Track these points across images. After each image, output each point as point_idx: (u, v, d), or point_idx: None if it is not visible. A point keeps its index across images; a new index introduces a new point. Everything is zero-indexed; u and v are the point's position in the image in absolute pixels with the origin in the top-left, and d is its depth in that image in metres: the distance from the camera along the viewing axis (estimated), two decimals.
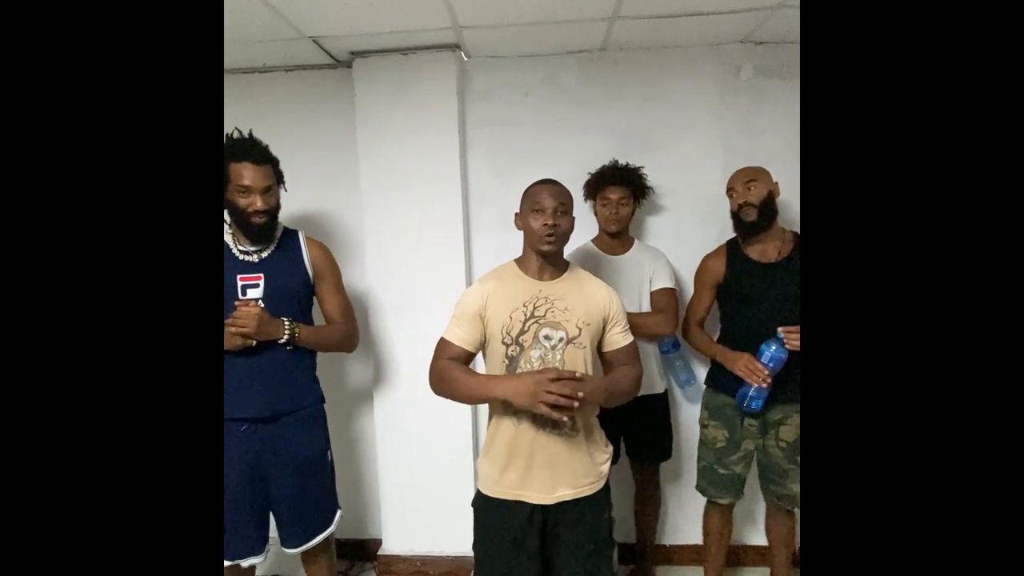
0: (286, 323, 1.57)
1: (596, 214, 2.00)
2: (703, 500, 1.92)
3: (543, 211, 1.33)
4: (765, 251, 1.77)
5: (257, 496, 1.61)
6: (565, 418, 1.24)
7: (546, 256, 1.36)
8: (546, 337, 1.32)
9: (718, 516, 1.91)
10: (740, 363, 1.69)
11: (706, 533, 1.95)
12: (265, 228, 1.57)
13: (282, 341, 1.57)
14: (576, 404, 1.21)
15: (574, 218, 1.41)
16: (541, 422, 1.32)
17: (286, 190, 1.66)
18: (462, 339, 1.38)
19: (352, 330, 1.74)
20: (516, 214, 1.41)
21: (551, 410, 1.20)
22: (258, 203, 1.53)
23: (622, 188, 1.92)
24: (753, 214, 1.72)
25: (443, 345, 1.40)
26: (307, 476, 1.64)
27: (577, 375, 1.25)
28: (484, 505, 1.41)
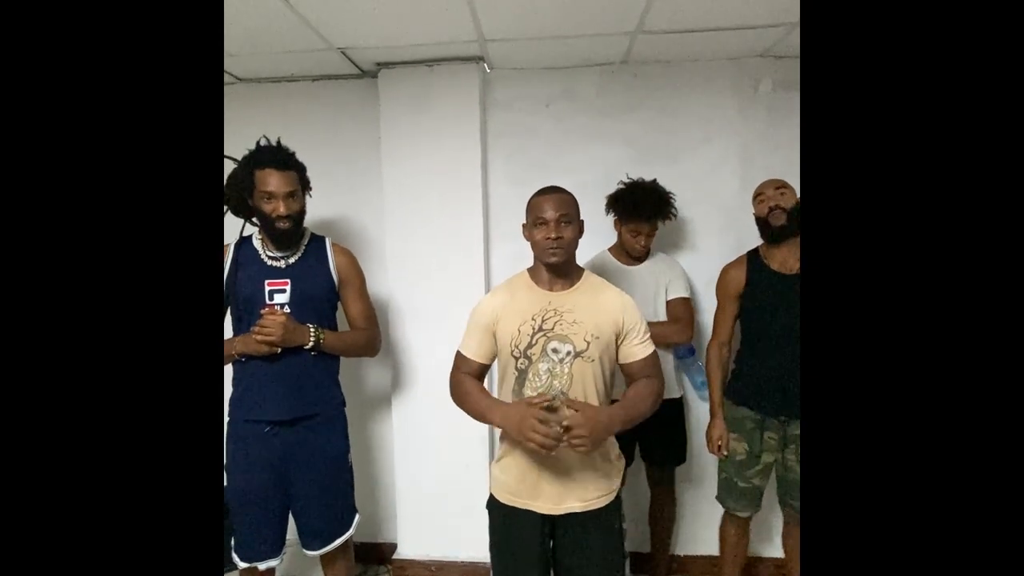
0: (311, 329, 1.59)
1: (618, 233, 1.99)
2: (719, 509, 1.93)
3: (546, 223, 1.31)
4: (786, 262, 1.77)
5: (278, 498, 1.63)
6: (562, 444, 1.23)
7: (553, 267, 1.35)
8: (554, 350, 1.31)
9: (735, 528, 1.92)
10: (712, 442, 1.86)
11: (723, 544, 1.96)
12: (289, 233, 1.60)
13: (308, 347, 1.59)
14: (563, 442, 1.21)
15: (582, 221, 1.39)
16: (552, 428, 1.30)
17: (311, 196, 1.69)
18: (475, 352, 1.41)
19: (375, 336, 1.76)
20: (523, 224, 1.40)
21: (539, 448, 1.21)
22: (281, 208, 1.55)
23: (654, 221, 1.90)
24: (783, 218, 1.72)
25: (459, 358, 1.44)
26: (328, 478, 1.67)
27: (565, 413, 1.23)
28: (496, 510, 1.43)
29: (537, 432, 1.19)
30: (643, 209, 1.88)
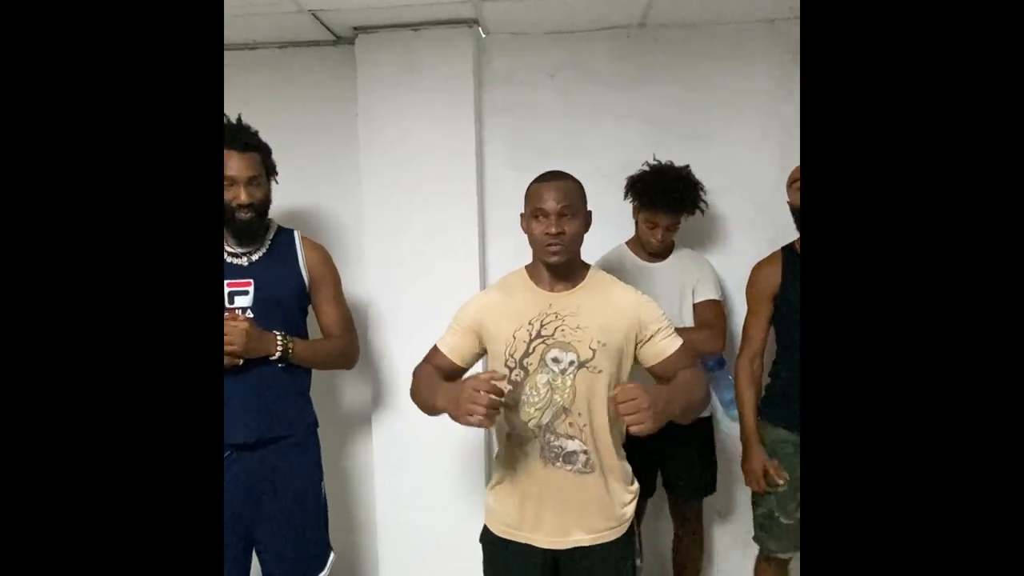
0: (279, 338, 1.49)
1: (635, 222, 1.86)
2: (754, 547, 1.78)
3: (546, 215, 1.25)
4: None
5: (240, 534, 1.52)
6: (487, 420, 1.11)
7: (551, 267, 1.29)
8: (554, 360, 1.26)
9: (773, 571, 1.75)
10: (753, 477, 1.67)
11: None
12: (251, 225, 1.50)
13: (274, 358, 1.48)
14: (496, 407, 1.12)
15: (589, 212, 1.32)
16: (551, 456, 1.25)
17: (277, 182, 1.59)
18: (450, 349, 1.36)
19: (352, 345, 1.68)
20: (521, 215, 1.33)
21: (483, 420, 1.10)
22: (242, 196, 1.46)
23: (675, 213, 1.77)
24: None
25: (432, 351, 1.40)
26: (298, 511, 1.56)
27: (567, 429, 1.18)
28: (492, 544, 1.37)
29: (477, 403, 1.09)
30: (663, 199, 1.74)
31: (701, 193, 1.79)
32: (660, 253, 1.85)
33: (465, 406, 1.10)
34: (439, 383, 1.28)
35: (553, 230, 1.23)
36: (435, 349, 1.39)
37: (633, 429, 1.09)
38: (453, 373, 1.35)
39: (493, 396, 1.10)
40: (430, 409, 1.27)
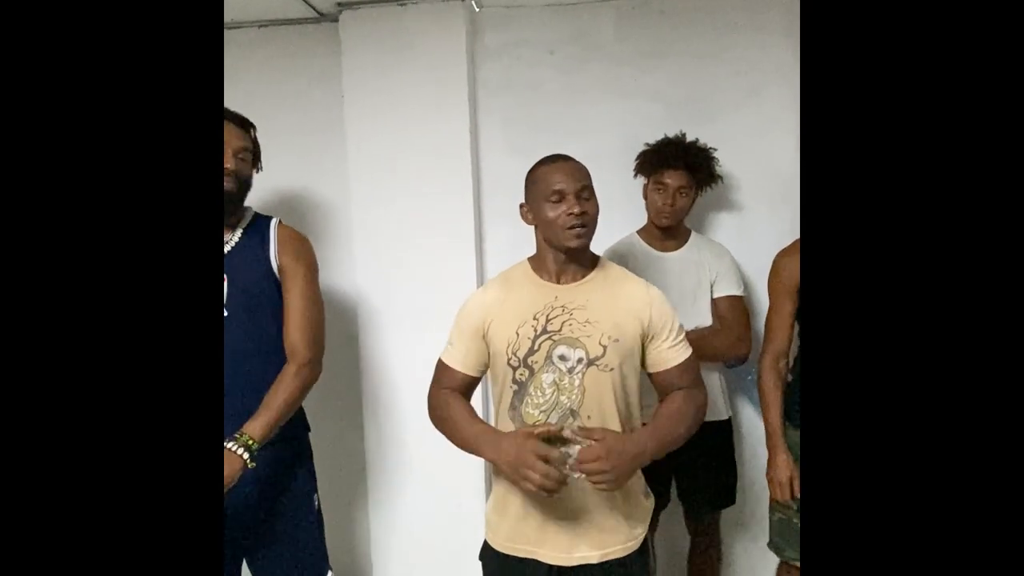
0: (235, 449, 1.31)
1: (646, 199, 1.84)
2: (775, 560, 1.73)
3: (564, 197, 1.23)
4: None
5: (228, 554, 1.49)
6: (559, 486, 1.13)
7: (572, 253, 1.26)
8: (561, 358, 1.23)
9: None
10: (779, 486, 1.62)
11: None
12: (229, 198, 1.43)
13: (251, 465, 1.33)
14: (574, 477, 1.15)
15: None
16: (556, 463, 1.25)
17: (260, 169, 1.55)
18: (460, 361, 1.32)
19: (305, 371, 1.46)
20: (521, 205, 1.31)
21: (538, 491, 1.13)
22: (228, 160, 1.40)
23: (684, 173, 1.74)
24: None
25: (441, 369, 1.36)
26: (289, 526, 1.53)
27: (587, 439, 1.16)
28: (491, 560, 1.35)
29: (536, 471, 1.10)
30: (672, 155, 1.73)
31: (714, 161, 1.78)
32: (673, 235, 1.81)
33: (523, 472, 1.12)
34: (469, 419, 1.27)
35: (576, 210, 1.20)
36: (444, 367, 1.33)
37: (598, 489, 1.16)
38: (469, 386, 1.33)
39: (551, 470, 1.11)
40: (469, 451, 1.26)
